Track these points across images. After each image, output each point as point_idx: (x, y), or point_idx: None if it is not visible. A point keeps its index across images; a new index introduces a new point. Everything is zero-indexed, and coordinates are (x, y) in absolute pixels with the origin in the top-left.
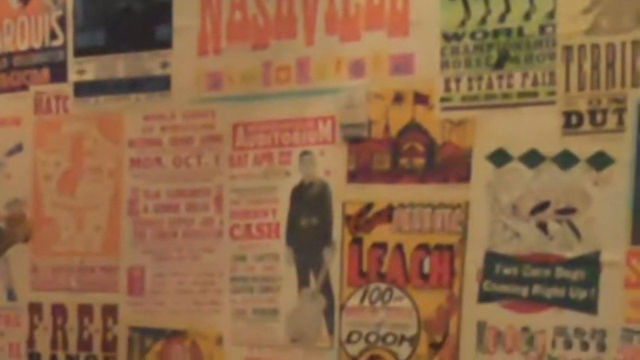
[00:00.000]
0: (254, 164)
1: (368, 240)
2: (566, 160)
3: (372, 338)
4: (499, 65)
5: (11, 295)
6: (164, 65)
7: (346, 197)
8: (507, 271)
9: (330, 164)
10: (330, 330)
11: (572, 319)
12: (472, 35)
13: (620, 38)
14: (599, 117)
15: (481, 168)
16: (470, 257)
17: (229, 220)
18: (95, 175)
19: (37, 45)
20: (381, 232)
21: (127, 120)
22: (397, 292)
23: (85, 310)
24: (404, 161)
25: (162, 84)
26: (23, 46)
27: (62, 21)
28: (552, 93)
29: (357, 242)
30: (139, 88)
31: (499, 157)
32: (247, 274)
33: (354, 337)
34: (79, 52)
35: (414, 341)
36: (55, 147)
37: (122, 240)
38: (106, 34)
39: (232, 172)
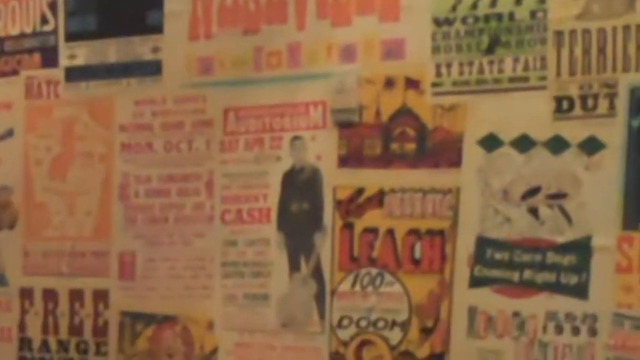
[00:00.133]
0: (244, 149)
1: (359, 225)
2: (557, 145)
3: (363, 323)
4: (490, 50)
5: (2, 281)
6: (155, 50)
7: (337, 182)
8: (498, 256)
9: (321, 149)
10: (321, 315)
11: (563, 303)
12: (463, 20)
13: (612, 23)
14: (590, 102)
15: (472, 153)
16: (461, 242)
17: (220, 205)
18: (86, 160)
19: (28, 30)
20: (372, 217)
21: (118, 105)
22: (388, 277)
23: (76, 295)
24: (395, 146)
25: (153, 68)
26: (14, 31)
27: (53, 6)
28: (543, 78)
29: (348, 227)
30: (130, 73)
31: (490, 142)
32: (238, 259)
33: (345, 322)
34: (70, 37)
35: (405, 326)
36: (46, 132)
37: (113, 225)
38: (97, 19)
39: (223, 157)
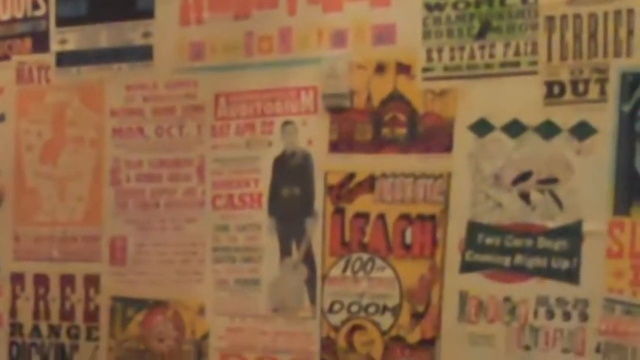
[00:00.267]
0: (236, 134)
1: (350, 210)
2: (548, 130)
3: (354, 308)
4: (481, 35)
5: None
6: (146, 35)
7: (328, 167)
8: (489, 241)
9: (313, 134)
10: (312, 300)
11: (554, 288)
12: (454, 5)
13: (602, 8)
14: (581, 87)
15: (463, 138)
16: (452, 227)
17: (211, 190)
18: (77, 145)
19: (19, 15)
20: (363, 202)
21: (109, 90)
22: (379, 262)
23: (67, 280)
24: (386, 131)
25: (144, 53)
26: (5, 16)
27: None
28: (534, 63)
29: (339, 212)
30: (121, 58)
31: (481, 127)
32: (229, 244)
33: (336, 307)
34: (61, 21)
35: (396, 311)
36: (38, 117)
37: (104, 210)
38: (88, 4)
39: (214, 142)
